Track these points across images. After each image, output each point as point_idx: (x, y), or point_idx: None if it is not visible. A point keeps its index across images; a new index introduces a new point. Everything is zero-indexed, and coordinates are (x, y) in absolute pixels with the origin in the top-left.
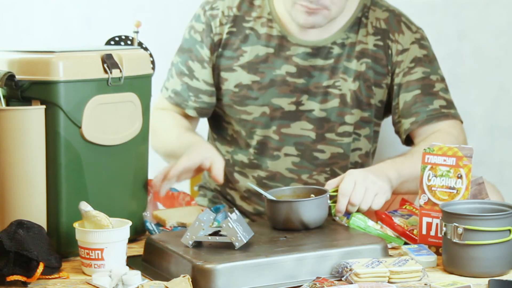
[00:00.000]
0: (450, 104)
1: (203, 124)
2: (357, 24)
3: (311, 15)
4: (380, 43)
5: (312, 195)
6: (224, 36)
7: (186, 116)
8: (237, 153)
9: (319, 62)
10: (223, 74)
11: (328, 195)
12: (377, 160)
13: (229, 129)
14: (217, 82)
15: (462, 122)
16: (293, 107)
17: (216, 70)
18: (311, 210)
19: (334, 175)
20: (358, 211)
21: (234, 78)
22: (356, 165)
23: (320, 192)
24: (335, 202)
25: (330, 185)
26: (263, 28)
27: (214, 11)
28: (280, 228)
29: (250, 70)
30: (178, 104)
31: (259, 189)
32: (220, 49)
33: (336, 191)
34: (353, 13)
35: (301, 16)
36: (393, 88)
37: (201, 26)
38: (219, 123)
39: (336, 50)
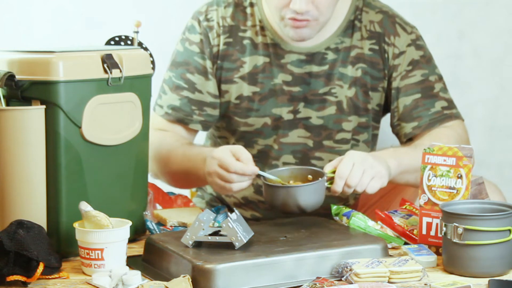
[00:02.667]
0: (451, 104)
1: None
2: (350, 27)
3: (300, 29)
4: (376, 47)
5: (309, 176)
6: (221, 47)
7: (187, 131)
8: None
9: (314, 68)
10: (224, 86)
11: (325, 179)
12: None
13: (223, 142)
14: (218, 94)
15: (463, 120)
16: (291, 116)
17: (216, 82)
18: (308, 195)
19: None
20: (354, 193)
21: (235, 90)
22: None
23: (318, 174)
24: (332, 183)
25: (328, 166)
26: (258, 37)
27: (210, 23)
28: (278, 212)
29: (250, 81)
30: (181, 120)
31: (263, 173)
32: (219, 61)
33: (334, 172)
34: (345, 16)
35: (291, 31)
36: (391, 92)
37: (198, 37)
38: (211, 137)
39: (330, 55)
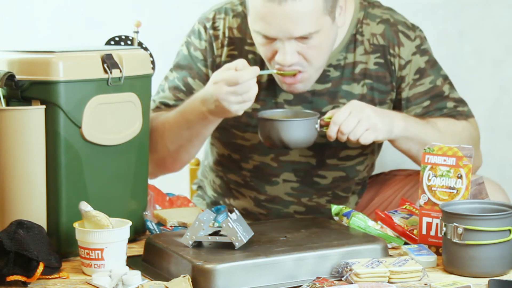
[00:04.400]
0: (461, 103)
1: None
2: (352, 42)
3: (292, 85)
4: (381, 60)
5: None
6: (223, 59)
7: None
8: (229, 173)
9: (317, 87)
10: None
11: (316, 120)
12: (378, 163)
13: (218, 150)
14: None
15: (474, 117)
16: None
17: None
18: (291, 131)
19: (335, 197)
20: (348, 141)
21: None
22: (362, 179)
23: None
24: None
25: (329, 113)
26: None
27: (216, 31)
28: (266, 145)
29: None
30: None
31: (263, 72)
32: None
33: None
34: (347, 31)
35: (283, 85)
36: (401, 102)
37: (203, 44)
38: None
39: (333, 73)
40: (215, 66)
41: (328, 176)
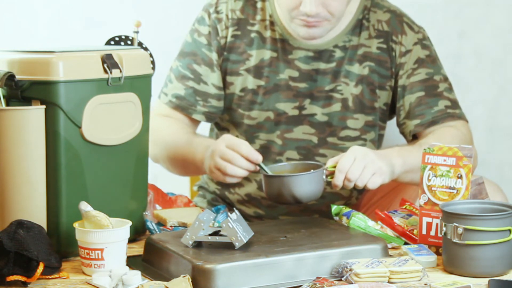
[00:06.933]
0: (454, 104)
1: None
2: (358, 26)
3: (312, 28)
4: (384, 45)
5: (312, 170)
6: (229, 39)
7: (189, 121)
8: None
9: (321, 65)
10: (229, 78)
11: (323, 171)
12: None
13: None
14: (223, 86)
15: (467, 121)
16: (296, 112)
17: (222, 74)
18: (302, 185)
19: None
20: (355, 188)
21: (239, 82)
22: None
23: (318, 167)
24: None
25: (330, 161)
26: (266, 31)
27: (219, 15)
28: (275, 203)
29: (255, 75)
30: (184, 109)
31: (264, 167)
32: (225, 53)
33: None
34: (354, 15)
35: (301, 29)
36: (397, 90)
37: (207, 29)
38: (213, 129)
39: (338, 53)
40: (220, 48)
41: (328, 156)
